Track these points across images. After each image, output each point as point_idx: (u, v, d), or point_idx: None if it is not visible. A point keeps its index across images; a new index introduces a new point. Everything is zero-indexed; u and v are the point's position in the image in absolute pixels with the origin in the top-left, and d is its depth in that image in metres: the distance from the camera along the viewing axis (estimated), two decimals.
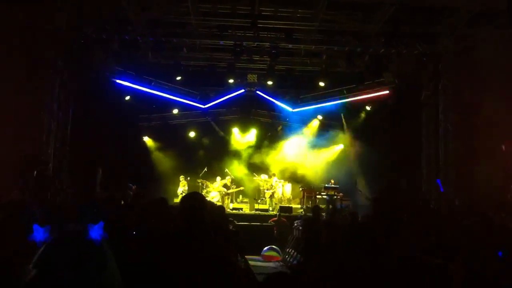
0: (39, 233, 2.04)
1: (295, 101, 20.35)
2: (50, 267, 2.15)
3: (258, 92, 19.68)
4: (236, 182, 19.67)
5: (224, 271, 3.04)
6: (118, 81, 17.73)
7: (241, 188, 19.63)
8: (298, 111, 20.65)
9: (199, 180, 19.07)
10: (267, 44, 15.79)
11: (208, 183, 19.18)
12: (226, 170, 19.88)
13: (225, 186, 19.17)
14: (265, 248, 13.87)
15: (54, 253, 2.19)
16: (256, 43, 15.81)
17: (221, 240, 3.83)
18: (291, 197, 20.48)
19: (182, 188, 18.66)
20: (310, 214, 14.22)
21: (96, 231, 2.02)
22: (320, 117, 21.33)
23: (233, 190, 19.32)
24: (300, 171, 20.28)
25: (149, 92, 18.61)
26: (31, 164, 12.44)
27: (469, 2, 12.70)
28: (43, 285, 2.27)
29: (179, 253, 3.00)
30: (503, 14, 12.49)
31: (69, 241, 2.04)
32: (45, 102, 14.37)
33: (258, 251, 13.72)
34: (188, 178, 18.99)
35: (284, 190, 20.28)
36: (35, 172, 12.85)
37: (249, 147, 21.47)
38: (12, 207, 4.08)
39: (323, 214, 13.30)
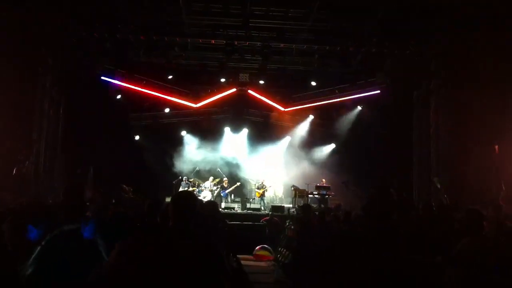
0: (33, 233, 2.14)
1: (287, 101, 20.35)
2: (49, 262, 2.19)
3: (250, 91, 19.65)
4: (230, 180, 19.57)
5: (211, 271, 3.02)
6: (109, 80, 17.63)
7: (238, 184, 19.55)
8: (290, 111, 20.67)
9: (191, 180, 19.00)
10: (259, 43, 15.78)
11: (200, 182, 19.11)
12: (218, 169, 19.84)
13: (222, 187, 19.11)
14: (257, 247, 13.84)
15: (53, 250, 2.25)
16: (248, 42, 15.80)
17: (212, 240, 3.80)
18: (282, 197, 20.48)
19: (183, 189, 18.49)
20: (301, 214, 14.17)
21: (88, 231, 2.11)
22: (312, 116, 21.37)
23: (231, 188, 19.26)
24: (292, 170, 20.25)
25: (140, 91, 18.52)
26: None
27: (461, 3, 12.74)
28: (42, 279, 2.29)
29: (167, 252, 2.97)
30: (495, 15, 12.54)
31: (66, 239, 2.14)
32: (36, 101, 14.28)
33: (250, 250, 13.70)
34: (186, 178, 18.86)
35: (275, 190, 20.28)
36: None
37: (241, 146, 21.43)
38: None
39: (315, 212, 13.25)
